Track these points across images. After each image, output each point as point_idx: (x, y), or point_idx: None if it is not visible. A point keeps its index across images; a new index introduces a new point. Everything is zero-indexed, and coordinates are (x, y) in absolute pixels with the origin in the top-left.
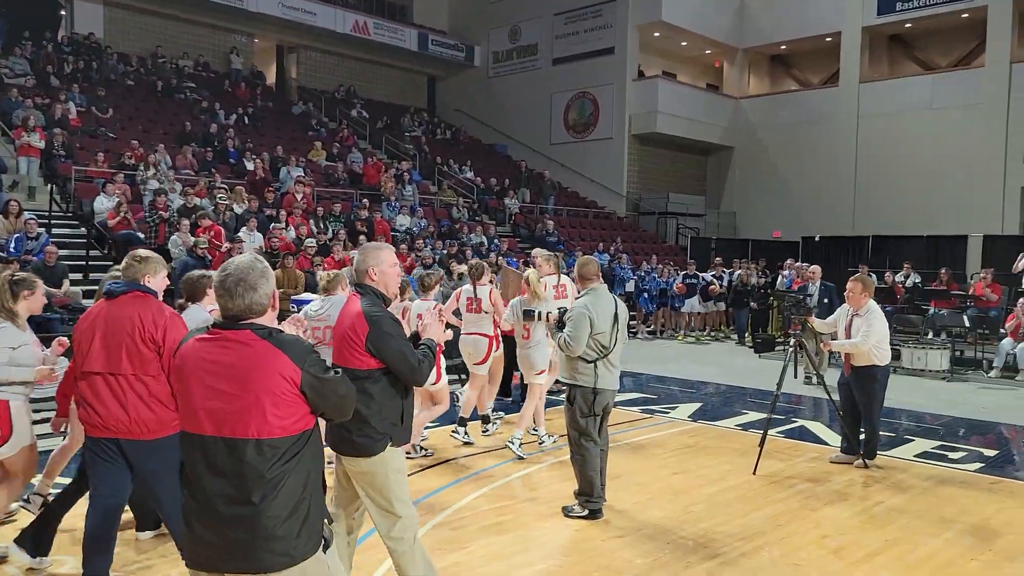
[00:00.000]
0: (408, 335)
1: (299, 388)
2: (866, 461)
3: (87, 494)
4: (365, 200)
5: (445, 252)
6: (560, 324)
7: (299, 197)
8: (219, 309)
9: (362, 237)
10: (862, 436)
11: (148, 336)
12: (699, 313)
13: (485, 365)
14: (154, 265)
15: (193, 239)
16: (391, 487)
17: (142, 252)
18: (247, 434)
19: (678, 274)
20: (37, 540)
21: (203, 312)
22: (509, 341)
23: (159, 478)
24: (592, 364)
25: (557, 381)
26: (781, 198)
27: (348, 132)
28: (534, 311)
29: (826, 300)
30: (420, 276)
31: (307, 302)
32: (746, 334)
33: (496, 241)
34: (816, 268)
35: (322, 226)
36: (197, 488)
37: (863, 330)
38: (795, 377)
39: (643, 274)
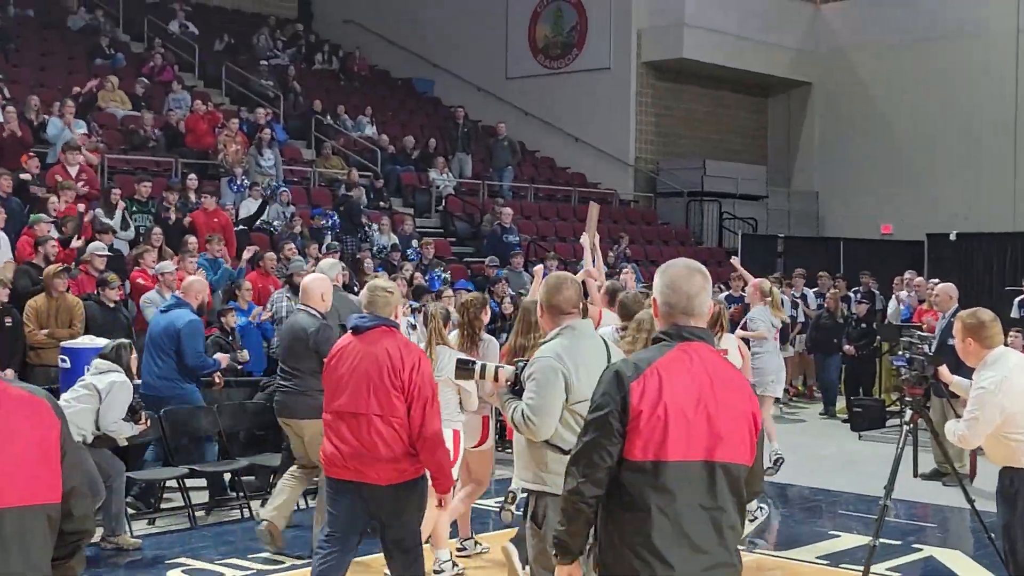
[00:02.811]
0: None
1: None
2: None
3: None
4: (191, 176)
5: (318, 261)
6: (515, 386)
7: (76, 172)
8: None
9: (191, 240)
10: None
11: (396, 375)
12: None
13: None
14: (399, 296)
15: None
16: None
17: (386, 282)
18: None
19: (721, 293)
20: None
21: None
22: None
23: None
24: None
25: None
26: (893, 170)
27: (164, 60)
28: (472, 363)
29: (951, 341)
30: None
31: (88, 351)
32: (837, 398)
33: (415, 244)
34: (946, 288)
35: (122, 220)
36: None
37: (970, 406)
38: (915, 475)
39: None
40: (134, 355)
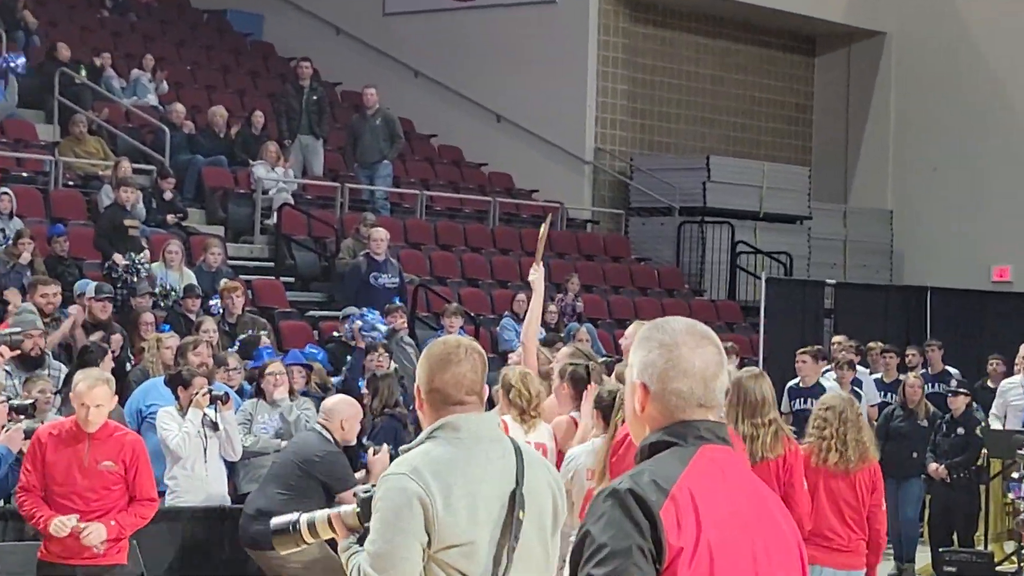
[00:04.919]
0: None
1: None
2: None
3: None
4: None
5: (50, 324)
6: (365, 523)
7: None
8: None
9: None
10: None
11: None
12: None
13: None
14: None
15: None
16: None
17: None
18: None
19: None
20: None
21: None
22: None
23: None
24: None
25: None
26: (1015, 178)
27: None
28: (290, 525)
29: None
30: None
31: None
32: (917, 549)
33: (221, 286)
34: None
35: None
36: None
37: None
38: None
39: None
40: None
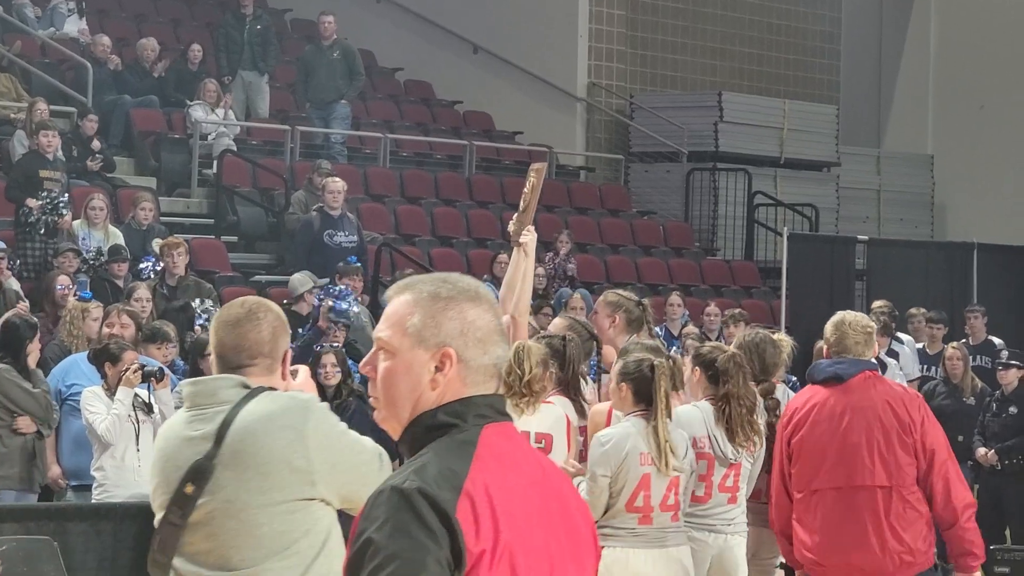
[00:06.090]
0: None
1: None
2: None
3: None
4: None
5: None
6: None
7: None
8: None
9: None
10: None
11: (907, 432)
12: None
13: None
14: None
15: None
16: None
17: (860, 316)
18: None
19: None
20: None
21: None
22: None
23: None
24: None
25: None
26: None
27: None
28: None
29: None
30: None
31: None
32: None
33: (156, 245)
34: None
35: None
36: None
37: None
38: None
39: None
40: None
